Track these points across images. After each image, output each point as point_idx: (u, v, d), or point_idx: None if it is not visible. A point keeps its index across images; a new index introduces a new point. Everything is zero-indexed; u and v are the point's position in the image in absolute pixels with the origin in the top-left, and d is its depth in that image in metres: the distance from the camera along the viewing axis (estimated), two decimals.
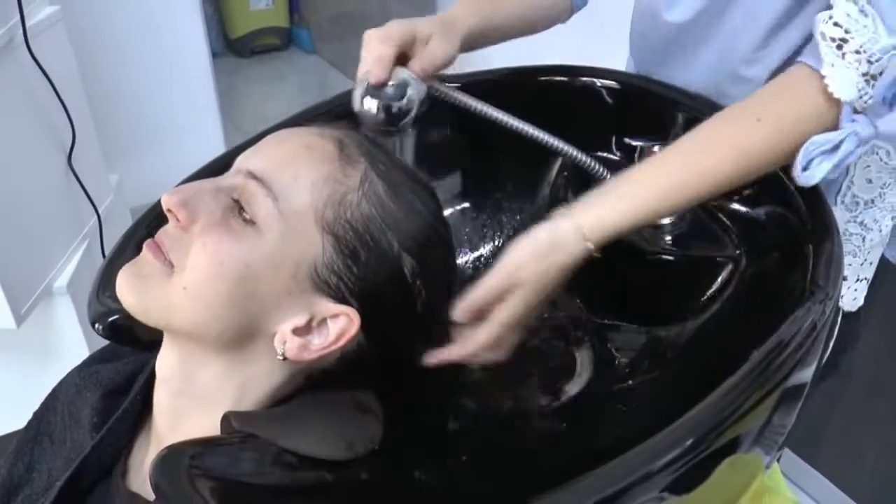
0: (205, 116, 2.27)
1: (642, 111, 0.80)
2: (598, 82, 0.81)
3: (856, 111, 0.61)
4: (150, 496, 0.56)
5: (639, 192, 0.63)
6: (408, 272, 0.57)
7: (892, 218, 0.82)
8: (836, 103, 0.61)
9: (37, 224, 1.37)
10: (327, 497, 0.54)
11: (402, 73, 0.70)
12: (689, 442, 0.47)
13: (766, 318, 0.56)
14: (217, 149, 2.18)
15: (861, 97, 0.60)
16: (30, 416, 0.71)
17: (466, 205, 0.86)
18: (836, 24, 0.60)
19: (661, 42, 0.83)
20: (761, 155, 0.63)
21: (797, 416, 1.03)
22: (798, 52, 0.73)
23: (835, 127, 0.61)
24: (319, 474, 0.54)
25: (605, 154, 0.80)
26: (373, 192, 0.56)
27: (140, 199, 0.73)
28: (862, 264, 0.85)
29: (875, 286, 0.91)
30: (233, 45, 3.53)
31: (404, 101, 0.70)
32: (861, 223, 0.82)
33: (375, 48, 0.72)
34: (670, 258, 0.71)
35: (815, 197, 0.63)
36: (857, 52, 0.59)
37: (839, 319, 0.86)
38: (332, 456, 0.56)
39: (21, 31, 1.26)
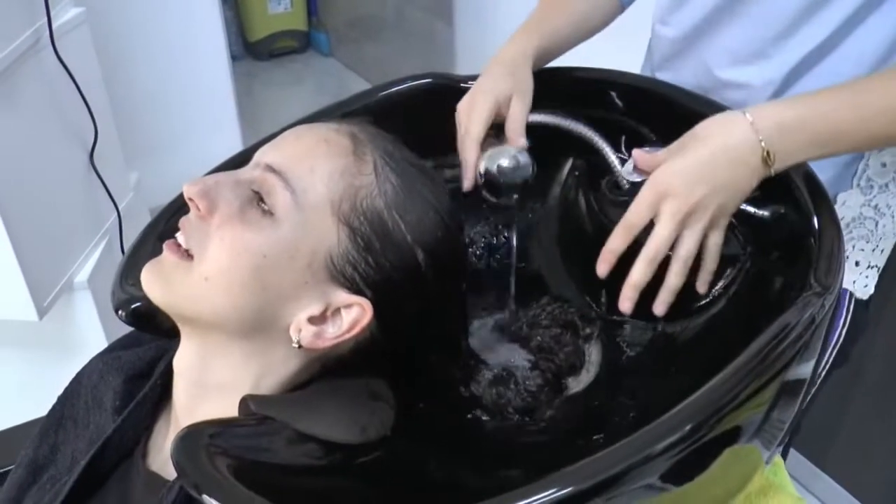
0: (223, 118, 2.30)
1: (652, 112, 0.81)
2: (610, 84, 0.83)
3: None
4: (169, 477, 0.59)
5: (816, 95, 0.64)
6: (420, 263, 0.59)
7: None
8: None
9: (59, 219, 1.40)
10: (340, 478, 0.55)
11: (505, 154, 0.76)
12: (688, 427, 0.49)
13: (768, 312, 0.57)
14: (234, 151, 2.19)
15: None
16: (49, 406, 0.73)
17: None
18: None
19: (661, 52, 0.85)
20: None
21: (805, 417, 1.04)
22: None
23: None
24: (333, 457, 0.56)
25: (617, 155, 0.81)
26: (387, 185, 0.58)
27: (159, 198, 0.76)
28: (874, 251, 0.85)
29: (889, 281, 0.91)
30: (251, 48, 3.57)
31: (517, 177, 0.77)
32: (875, 207, 0.82)
33: (466, 129, 0.78)
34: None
35: (818, 194, 0.64)
36: None
37: (852, 307, 0.87)
38: (345, 439, 0.58)
39: (48, 32, 1.30)
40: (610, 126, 0.79)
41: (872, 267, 0.87)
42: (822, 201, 0.63)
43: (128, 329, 0.75)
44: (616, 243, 0.68)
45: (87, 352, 0.74)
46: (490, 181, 0.77)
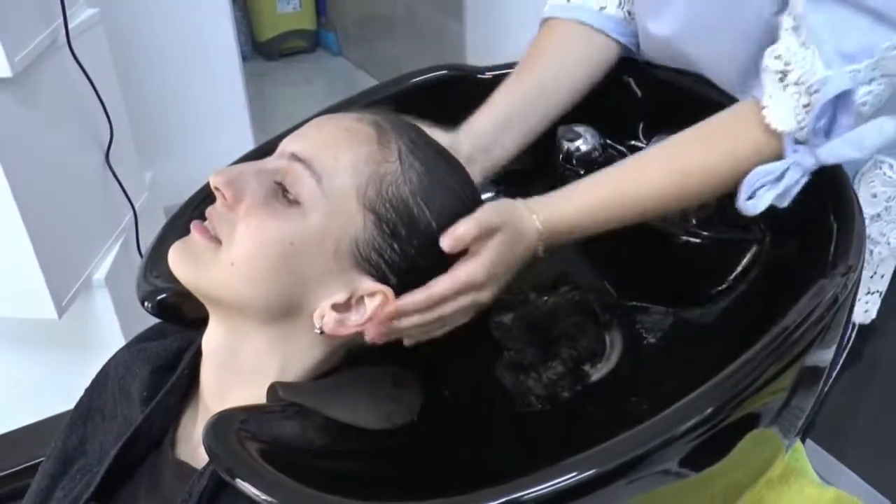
0: (234, 118, 2.32)
1: (669, 100, 0.82)
2: (625, 72, 0.84)
3: (798, 142, 0.62)
4: (198, 465, 0.60)
5: (588, 195, 0.67)
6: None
7: None
8: (776, 134, 0.62)
9: (77, 219, 1.41)
10: (367, 462, 0.56)
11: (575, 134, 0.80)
12: (709, 410, 0.49)
13: (789, 294, 0.57)
14: (246, 150, 2.21)
15: (801, 128, 0.61)
16: (69, 403, 0.74)
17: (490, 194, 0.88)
18: (777, 56, 0.62)
19: (652, 53, 0.84)
20: (701, 177, 0.66)
21: (826, 411, 1.04)
22: None
23: (779, 158, 0.63)
24: (359, 442, 0.57)
25: (633, 142, 0.82)
26: (411, 172, 0.59)
27: (172, 197, 0.76)
28: (872, 277, 0.85)
29: None
30: (261, 48, 3.59)
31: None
32: (868, 237, 0.80)
33: None
34: (697, 241, 0.73)
35: (837, 177, 0.64)
36: (797, 83, 0.60)
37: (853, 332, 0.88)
38: (371, 425, 0.59)
39: (64, 32, 1.31)
40: (627, 113, 0.79)
41: (873, 293, 0.87)
42: (840, 181, 0.64)
43: (147, 324, 0.76)
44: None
45: (105, 349, 0.75)
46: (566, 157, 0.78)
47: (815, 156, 0.62)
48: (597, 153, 0.79)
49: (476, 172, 0.74)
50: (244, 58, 2.58)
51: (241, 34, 3.38)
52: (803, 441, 1.02)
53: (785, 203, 0.64)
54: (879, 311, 0.91)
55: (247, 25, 3.56)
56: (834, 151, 0.61)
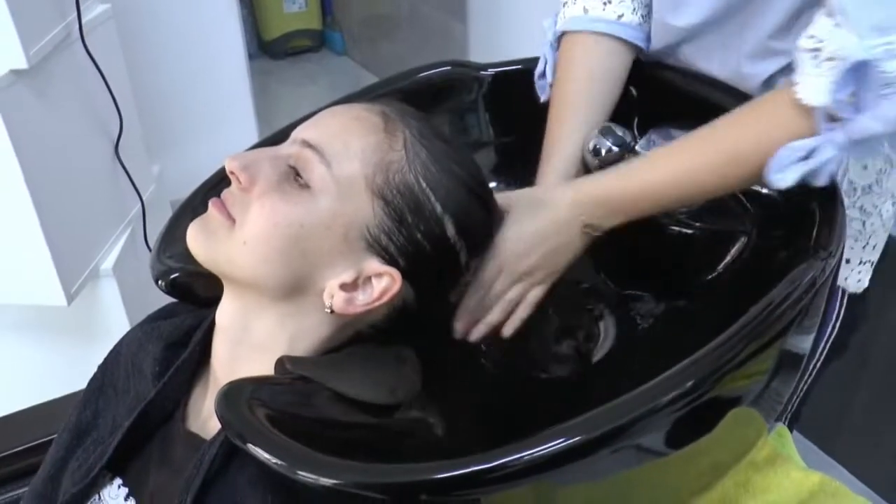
0: (240, 115, 2.35)
1: (666, 96, 0.85)
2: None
3: (833, 119, 0.62)
4: (208, 437, 0.62)
5: (631, 179, 0.70)
6: (450, 232, 0.63)
7: (893, 203, 0.84)
8: (809, 112, 0.62)
9: (86, 208, 1.44)
10: (372, 433, 0.59)
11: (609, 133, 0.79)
12: (690, 383, 0.52)
13: (773, 280, 0.60)
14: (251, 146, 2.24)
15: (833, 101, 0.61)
16: (75, 388, 0.77)
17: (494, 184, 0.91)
18: (810, 36, 0.62)
19: (670, 47, 0.85)
20: (743, 165, 0.66)
21: (814, 406, 1.07)
22: None
23: (814, 135, 0.63)
24: (365, 415, 0.60)
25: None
26: (417, 159, 0.62)
27: (179, 190, 0.79)
28: (864, 247, 0.87)
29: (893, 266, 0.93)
30: (266, 47, 3.62)
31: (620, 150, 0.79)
32: (861, 208, 0.84)
33: None
34: (689, 231, 0.76)
35: None
36: (830, 58, 0.60)
37: (845, 300, 0.90)
38: (376, 400, 0.61)
39: (77, 27, 1.34)
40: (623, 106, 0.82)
41: (865, 262, 0.88)
42: None
43: (155, 307, 0.79)
44: (495, 317, 0.73)
45: (111, 336, 0.77)
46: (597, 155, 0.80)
47: (847, 132, 0.61)
48: (628, 152, 0.79)
49: None
50: (250, 56, 2.61)
51: (248, 33, 3.40)
52: (791, 432, 1.05)
53: (820, 182, 0.63)
54: (870, 299, 0.93)
55: (253, 24, 3.59)
56: (862, 126, 0.61)
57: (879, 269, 0.92)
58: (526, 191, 0.74)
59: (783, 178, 0.63)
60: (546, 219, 0.71)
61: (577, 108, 0.81)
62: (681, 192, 0.69)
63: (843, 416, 1.52)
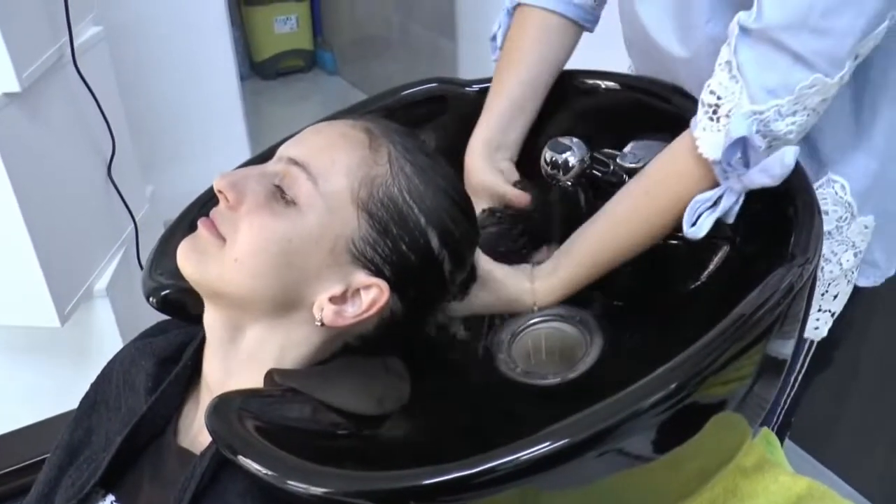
0: (233, 135, 2.36)
1: (646, 111, 0.86)
2: (602, 84, 0.89)
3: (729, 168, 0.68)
4: (198, 451, 0.63)
5: (575, 261, 0.77)
6: (434, 244, 0.64)
7: (854, 254, 0.85)
8: (708, 163, 0.68)
9: (79, 230, 1.45)
10: (360, 443, 0.60)
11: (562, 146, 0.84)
12: (673, 385, 0.53)
13: (752, 286, 0.62)
14: None
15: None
16: (67, 407, 0.77)
17: None
18: (711, 91, 0.68)
19: (658, 63, 0.87)
20: (662, 220, 0.73)
21: (807, 414, 1.08)
22: None
23: (717, 184, 0.69)
24: (353, 425, 0.61)
25: (614, 151, 0.86)
26: (400, 173, 0.63)
27: (172, 211, 0.81)
28: (823, 295, 0.88)
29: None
30: (258, 68, 3.64)
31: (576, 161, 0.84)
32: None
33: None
34: (672, 241, 0.77)
35: (798, 179, 0.69)
36: (728, 115, 0.66)
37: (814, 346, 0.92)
38: (363, 410, 0.63)
39: (69, 49, 1.36)
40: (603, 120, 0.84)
41: (824, 311, 0.90)
42: (800, 181, 0.68)
43: (148, 325, 0.80)
44: None
45: (104, 357, 0.78)
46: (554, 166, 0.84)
47: (742, 182, 0.68)
48: (584, 164, 0.83)
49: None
50: (242, 77, 2.63)
51: (239, 54, 3.43)
52: (782, 441, 1.06)
53: (730, 220, 0.70)
54: (859, 315, 0.94)
55: (244, 45, 3.61)
56: (752, 179, 0.67)
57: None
58: (501, 278, 0.78)
59: (698, 229, 0.69)
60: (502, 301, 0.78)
61: (520, 73, 0.87)
62: (617, 264, 0.77)
63: (835, 425, 1.53)
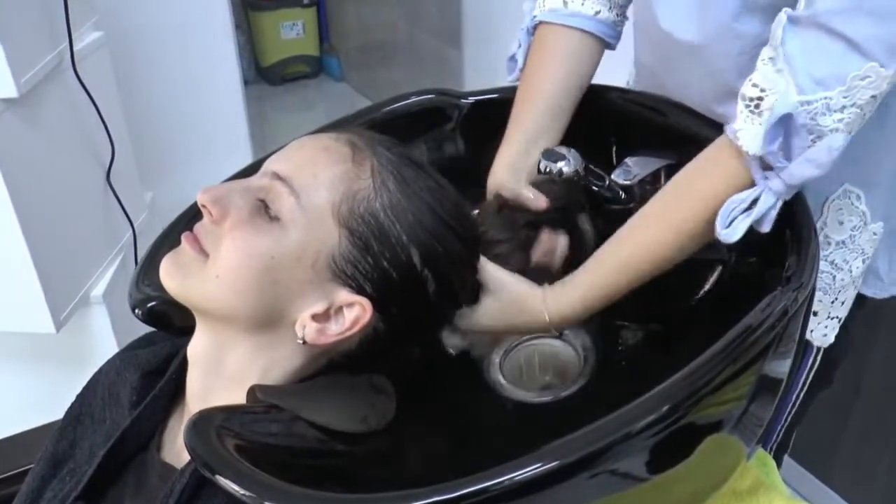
0: (236, 142, 2.35)
1: (644, 126, 0.85)
2: (601, 98, 0.87)
3: (768, 168, 0.64)
4: (181, 467, 0.62)
5: (599, 277, 0.72)
6: (416, 261, 0.62)
7: (863, 261, 0.84)
8: (748, 161, 0.64)
9: (76, 235, 1.44)
10: (342, 462, 0.59)
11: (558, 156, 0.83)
12: (665, 408, 0.52)
13: (750, 308, 0.60)
14: None
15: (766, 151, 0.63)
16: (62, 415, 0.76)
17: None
18: (754, 84, 0.64)
19: (665, 51, 0.85)
20: (693, 224, 0.68)
21: (808, 433, 1.06)
22: None
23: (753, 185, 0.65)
24: (336, 443, 0.60)
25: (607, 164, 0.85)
26: (383, 188, 0.62)
27: (172, 217, 0.80)
28: (833, 302, 0.87)
29: None
30: (264, 73, 3.65)
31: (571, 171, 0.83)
32: (832, 262, 0.84)
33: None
34: None
35: (798, 204, 0.67)
36: (771, 109, 0.62)
37: (820, 356, 0.91)
38: (347, 428, 0.61)
39: (69, 55, 1.35)
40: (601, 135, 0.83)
41: (833, 318, 0.88)
42: (799, 204, 0.67)
43: (144, 333, 0.79)
44: None
45: (100, 364, 0.77)
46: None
47: (782, 179, 0.63)
48: (579, 175, 0.82)
49: None
50: (247, 82, 2.63)
51: (245, 59, 3.43)
52: (780, 461, 1.05)
53: (765, 228, 0.65)
54: (862, 330, 0.93)
55: (250, 50, 3.62)
56: (795, 172, 0.63)
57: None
58: (511, 282, 0.74)
59: (732, 232, 0.65)
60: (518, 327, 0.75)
61: (544, 92, 0.85)
62: (643, 277, 0.71)
63: (837, 443, 1.51)
